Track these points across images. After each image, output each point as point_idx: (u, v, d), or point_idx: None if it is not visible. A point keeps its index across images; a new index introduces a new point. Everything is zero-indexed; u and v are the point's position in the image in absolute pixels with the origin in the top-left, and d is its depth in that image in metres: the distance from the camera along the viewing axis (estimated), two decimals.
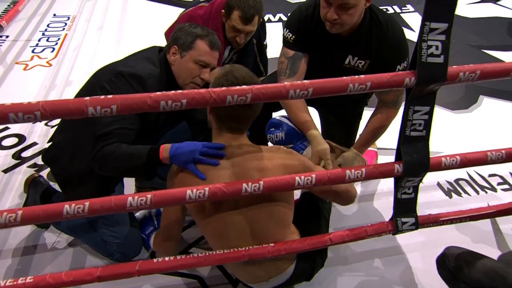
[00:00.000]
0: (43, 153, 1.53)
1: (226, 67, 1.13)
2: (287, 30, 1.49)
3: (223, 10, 1.72)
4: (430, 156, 1.09)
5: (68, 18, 3.60)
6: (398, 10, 3.84)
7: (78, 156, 1.38)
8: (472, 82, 0.99)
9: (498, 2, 3.95)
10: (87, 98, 0.85)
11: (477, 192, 1.88)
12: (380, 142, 1.95)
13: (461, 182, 1.93)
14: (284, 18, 3.64)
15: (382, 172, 1.08)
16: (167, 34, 1.91)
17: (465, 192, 1.88)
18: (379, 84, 0.94)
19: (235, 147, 1.11)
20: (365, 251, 1.57)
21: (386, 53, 1.42)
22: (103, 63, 1.45)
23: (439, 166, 1.10)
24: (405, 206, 1.18)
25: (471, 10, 3.79)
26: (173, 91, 0.89)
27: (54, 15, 3.65)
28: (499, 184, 1.93)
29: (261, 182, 1.01)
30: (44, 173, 1.87)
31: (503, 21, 3.58)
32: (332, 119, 1.70)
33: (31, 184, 1.66)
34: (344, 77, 0.94)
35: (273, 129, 1.42)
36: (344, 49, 1.46)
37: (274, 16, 3.66)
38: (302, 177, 1.03)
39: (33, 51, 3.05)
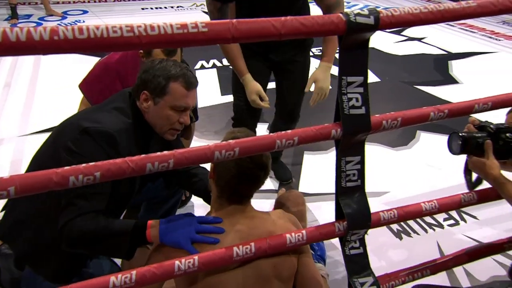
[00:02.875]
0: None
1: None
2: None
3: (141, 51, 1.78)
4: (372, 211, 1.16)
5: None
6: None
7: (44, 228, 1.28)
8: (396, 128, 1.11)
9: (423, 40, 4.53)
10: None
11: (426, 231, 2.01)
12: (326, 188, 2.05)
13: (409, 222, 2.06)
14: (218, 64, 3.80)
15: (323, 233, 1.13)
16: (82, 86, 1.92)
17: (414, 231, 2.01)
18: (306, 138, 1.01)
19: (235, 220, 1.11)
20: None
21: None
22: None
23: (379, 222, 1.19)
24: (357, 264, 1.20)
25: (399, 48, 4.29)
26: (83, 164, 0.88)
27: None
28: (445, 220, 2.08)
29: (196, 258, 1.01)
30: None
31: (429, 57, 4.09)
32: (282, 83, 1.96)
33: None
34: (271, 134, 1.00)
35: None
36: None
37: (208, 63, 3.82)
38: (241, 246, 1.04)
39: None
